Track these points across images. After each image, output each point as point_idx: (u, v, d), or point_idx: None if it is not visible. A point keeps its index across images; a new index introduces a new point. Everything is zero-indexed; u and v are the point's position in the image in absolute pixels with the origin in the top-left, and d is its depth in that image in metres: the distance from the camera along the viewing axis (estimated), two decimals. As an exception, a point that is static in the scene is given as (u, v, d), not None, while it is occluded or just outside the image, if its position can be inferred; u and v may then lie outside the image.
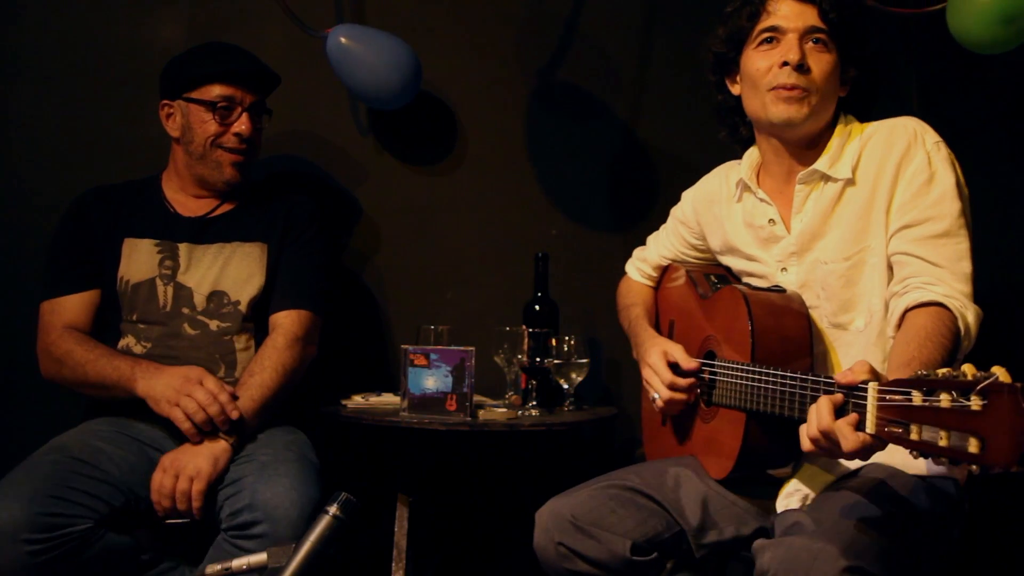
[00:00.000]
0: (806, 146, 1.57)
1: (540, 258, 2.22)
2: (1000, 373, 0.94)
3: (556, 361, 2.02)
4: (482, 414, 1.97)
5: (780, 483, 1.54)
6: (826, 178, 1.54)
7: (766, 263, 1.63)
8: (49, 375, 1.86)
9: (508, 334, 2.01)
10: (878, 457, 1.43)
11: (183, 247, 1.90)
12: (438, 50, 2.39)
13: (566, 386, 2.05)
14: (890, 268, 1.48)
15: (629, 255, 2.04)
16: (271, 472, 1.64)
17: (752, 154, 1.68)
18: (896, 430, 1.06)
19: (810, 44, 1.51)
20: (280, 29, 2.32)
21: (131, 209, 1.93)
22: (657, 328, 1.87)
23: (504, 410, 2.03)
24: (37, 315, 1.89)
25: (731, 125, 1.70)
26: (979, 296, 1.43)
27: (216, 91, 1.88)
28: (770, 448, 1.48)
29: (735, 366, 1.50)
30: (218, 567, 1.31)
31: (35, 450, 1.71)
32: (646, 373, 1.70)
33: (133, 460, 1.71)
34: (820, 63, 1.51)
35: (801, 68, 1.49)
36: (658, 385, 1.65)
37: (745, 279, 1.70)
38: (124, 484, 1.67)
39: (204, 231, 1.93)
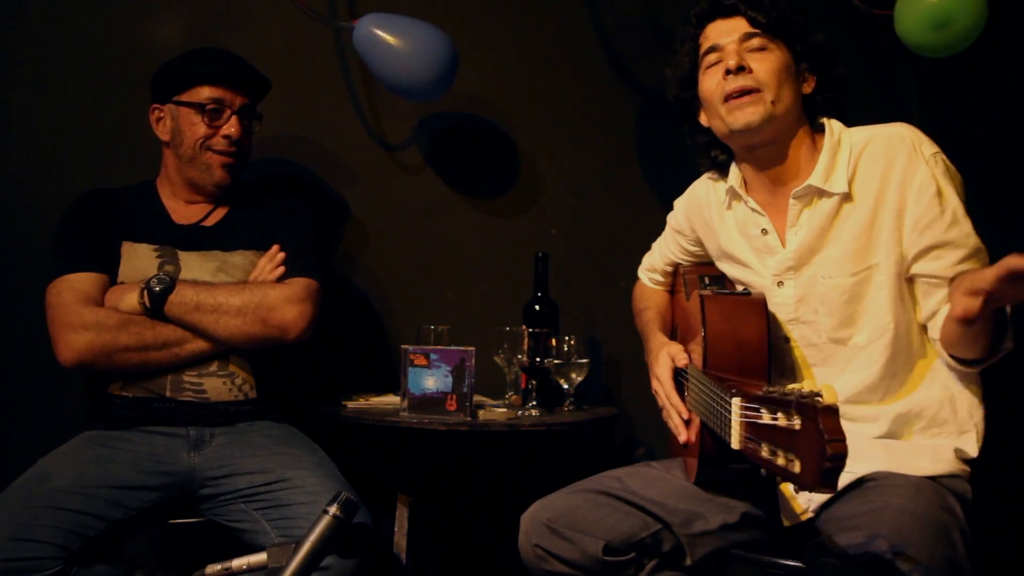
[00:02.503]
0: (779, 159, 1.57)
1: (540, 258, 2.22)
2: (826, 392, 0.93)
3: (556, 361, 2.02)
4: (482, 414, 1.97)
5: (769, 486, 1.53)
6: (821, 193, 1.53)
7: (761, 274, 1.62)
8: (77, 353, 1.73)
9: (508, 334, 2.01)
10: (884, 463, 1.45)
11: (180, 254, 1.89)
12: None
13: (566, 386, 2.05)
14: (898, 280, 1.48)
15: (629, 255, 2.04)
16: (324, 501, 1.61)
17: (735, 168, 1.68)
18: (751, 446, 1.05)
19: (750, 51, 1.55)
20: (280, 30, 2.32)
21: (130, 213, 1.92)
22: (672, 333, 1.88)
23: (504, 410, 2.03)
24: (33, 319, 1.83)
25: (710, 158, 1.72)
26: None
27: (206, 93, 1.89)
28: (721, 458, 1.47)
29: (692, 373, 1.51)
30: (218, 567, 1.30)
31: (32, 458, 1.71)
32: (654, 384, 1.69)
33: (123, 476, 1.69)
34: (763, 62, 1.53)
35: (742, 70, 1.52)
36: (664, 402, 1.65)
37: (740, 288, 1.68)
38: (107, 510, 1.63)
39: (197, 239, 1.92)
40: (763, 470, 1.01)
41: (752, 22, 1.56)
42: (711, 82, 1.58)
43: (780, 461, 0.96)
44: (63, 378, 1.86)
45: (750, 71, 1.52)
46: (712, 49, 1.59)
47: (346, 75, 2.37)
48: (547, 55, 2.47)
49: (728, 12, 1.59)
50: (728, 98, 1.54)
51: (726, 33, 1.57)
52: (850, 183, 1.51)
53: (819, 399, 0.91)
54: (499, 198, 2.45)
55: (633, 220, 2.44)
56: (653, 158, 2.49)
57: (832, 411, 0.89)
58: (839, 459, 0.87)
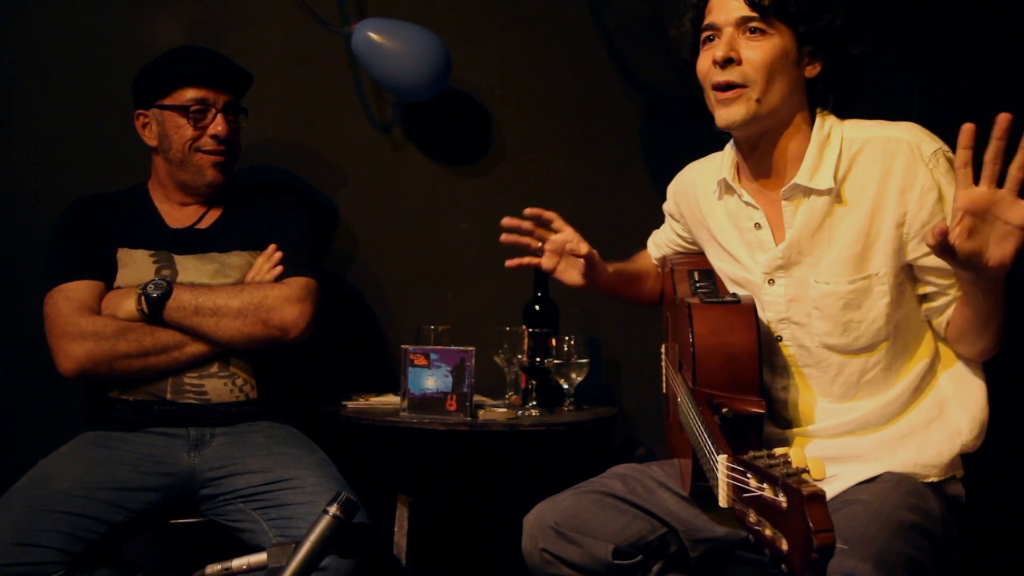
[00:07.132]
0: (770, 150, 1.51)
1: (540, 258, 2.22)
2: (813, 468, 0.88)
3: (556, 361, 2.02)
4: (482, 414, 1.97)
5: None
6: (808, 191, 1.47)
7: (751, 270, 1.57)
8: (77, 363, 1.74)
9: (508, 334, 2.01)
10: (887, 464, 1.44)
11: (176, 258, 1.89)
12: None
13: (566, 386, 2.05)
14: (898, 291, 1.45)
15: (629, 255, 2.04)
16: (323, 501, 1.61)
17: (730, 151, 1.61)
18: (740, 508, 0.99)
19: (747, 35, 1.45)
20: (280, 30, 2.32)
21: (124, 218, 1.92)
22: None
23: (504, 410, 2.03)
24: (32, 320, 1.83)
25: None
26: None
27: (188, 95, 1.87)
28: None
29: (682, 391, 1.49)
30: (218, 567, 1.30)
31: (32, 459, 1.71)
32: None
33: (124, 477, 1.69)
34: (756, 51, 1.43)
35: (730, 62, 1.44)
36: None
37: (731, 287, 1.64)
38: (108, 513, 1.63)
39: (193, 243, 1.91)
40: (750, 536, 0.95)
41: (751, 3, 1.43)
42: (703, 64, 1.50)
43: (768, 532, 0.90)
44: (62, 380, 1.86)
45: (739, 62, 1.43)
46: (710, 27, 1.49)
47: (346, 72, 2.37)
48: (547, 55, 2.47)
49: None
50: (714, 89, 1.47)
51: (725, 11, 1.46)
52: (842, 182, 1.45)
53: (805, 478, 0.86)
54: (500, 198, 2.45)
55: (633, 219, 2.42)
56: (654, 156, 2.49)
57: (818, 499, 0.83)
58: (826, 551, 0.82)
